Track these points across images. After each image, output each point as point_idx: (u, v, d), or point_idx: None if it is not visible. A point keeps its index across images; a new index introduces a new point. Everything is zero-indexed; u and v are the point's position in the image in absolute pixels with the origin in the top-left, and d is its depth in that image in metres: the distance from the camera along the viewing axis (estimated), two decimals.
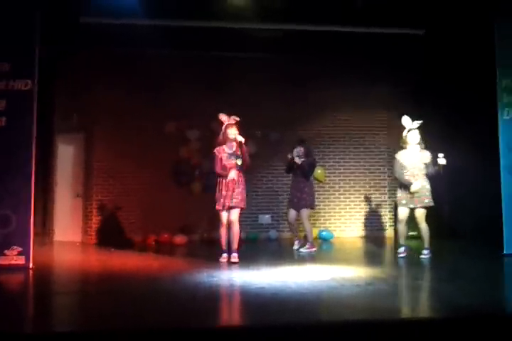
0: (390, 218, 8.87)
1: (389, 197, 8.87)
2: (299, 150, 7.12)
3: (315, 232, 8.52)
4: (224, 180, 5.84)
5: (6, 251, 5.35)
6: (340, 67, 8.42)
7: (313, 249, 6.82)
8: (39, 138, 5.67)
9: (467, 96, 7.49)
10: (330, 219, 8.73)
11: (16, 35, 5.50)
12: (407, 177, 6.13)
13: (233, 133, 5.88)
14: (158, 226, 8.14)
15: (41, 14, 5.61)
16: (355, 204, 8.93)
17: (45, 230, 8.14)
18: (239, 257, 5.83)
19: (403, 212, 6.21)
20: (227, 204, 5.81)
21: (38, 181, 5.77)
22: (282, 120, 8.61)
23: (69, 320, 3.68)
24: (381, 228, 8.90)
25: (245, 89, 8.30)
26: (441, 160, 6.09)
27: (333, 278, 4.85)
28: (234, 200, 5.80)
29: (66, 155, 8.52)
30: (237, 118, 5.99)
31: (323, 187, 8.83)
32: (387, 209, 8.88)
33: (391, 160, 8.86)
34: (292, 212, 7.04)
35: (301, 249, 6.88)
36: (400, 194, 6.23)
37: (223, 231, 5.94)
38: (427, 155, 6.19)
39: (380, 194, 8.89)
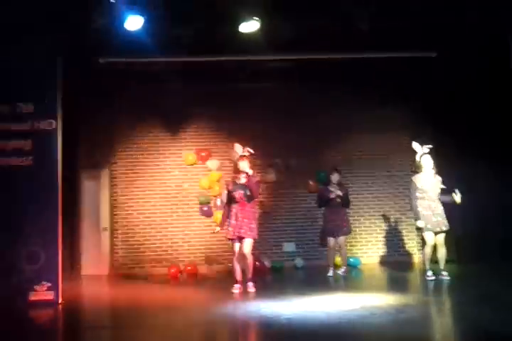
0: (417, 242, 8.71)
1: (415, 220, 8.72)
2: (336, 177, 7.32)
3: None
4: (233, 211, 5.91)
5: (35, 287, 5.42)
6: (355, 91, 8.46)
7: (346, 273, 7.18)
8: (64, 175, 5.79)
9: (483, 118, 7.44)
10: (356, 245, 8.62)
11: (37, 77, 5.71)
12: (419, 209, 6.24)
13: (243, 165, 5.96)
14: (184, 257, 8.15)
15: (62, 56, 5.82)
16: (381, 230, 8.82)
17: (73, 265, 8.20)
18: (255, 286, 5.83)
19: (430, 237, 6.22)
20: (236, 233, 5.85)
21: (64, 217, 5.86)
22: (300, 147, 8.65)
23: None
24: (409, 253, 8.74)
25: (263, 118, 8.41)
26: (457, 198, 6.21)
27: (363, 306, 4.76)
28: (242, 230, 5.83)
29: (91, 191, 8.66)
30: (251, 151, 6.07)
31: (349, 213, 8.74)
32: (415, 234, 8.73)
33: None
34: (333, 240, 7.18)
35: (339, 272, 7.13)
36: (423, 218, 6.21)
37: (235, 262, 5.94)
38: (440, 180, 6.33)
39: (406, 218, 8.75)
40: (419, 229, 6.39)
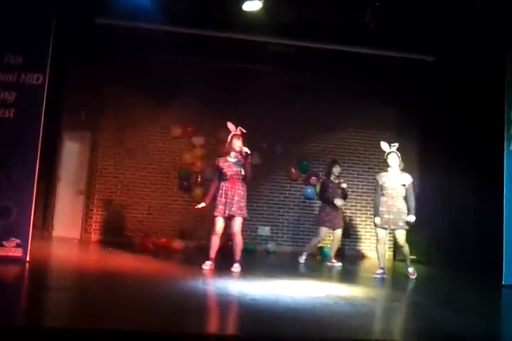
0: (389, 239, 8.81)
1: None
2: (338, 169, 7.33)
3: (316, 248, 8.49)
4: (223, 188, 5.84)
5: (4, 242, 5.34)
6: (349, 85, 8.48)
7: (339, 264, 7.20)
8: (46, 134, 5.67)
9: (474, 126, 7.50)
10: (330, 236, 8.67)
11: (30, 30, 5.55)
12: (377, 208, 6.35)
13: (238, 144, 5.90)
14: (157, 229, 8.13)
15: (58, 12, 5.66)
16: (355, 223, 8.90)
17: (45, 225, 8.12)
18: (240, 267, 5.79)
19: (380, 233, 6.39)
20: (226, 211, 5.78)
21: (41, 175, 5.77)
22: (288, 134, 8.65)
23: (59, 315, 3.64)
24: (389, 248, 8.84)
25: (254, 101, 8.35)
26: (411, 218, 6.26)
27: (329, 295, 4.80)
28: (233, 209, 5.78)
29: (71, 153, 8.55)
30: (243, 130, 6.01)
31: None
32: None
33: None
34: (325, 231, 7.25)
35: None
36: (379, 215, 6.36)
37: (215, 239, 5.88)
38: (406, 177, 6.37)
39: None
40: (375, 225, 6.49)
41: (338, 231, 7.28)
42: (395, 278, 6.74)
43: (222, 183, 5.86)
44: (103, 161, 8.36)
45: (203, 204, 6.00)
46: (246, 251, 7.92)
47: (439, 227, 7.85)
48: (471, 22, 6.05)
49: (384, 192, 6.32)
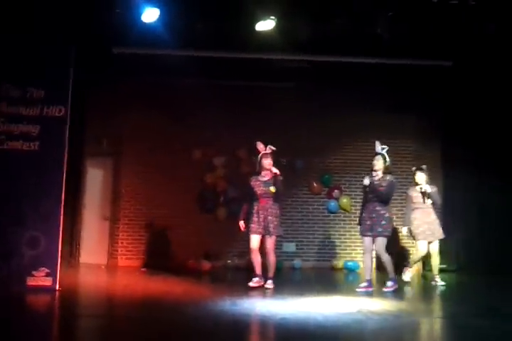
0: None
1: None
2: (420, 177, 6.74)
3: (341, 263, 8.41)
4: (255, 208, 5.93)
5: (34, 272, 5.43)
6: (366, 96, 8.48)
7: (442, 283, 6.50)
8: (69, 163, 5.81)
9: (497, 129, 7.42)
10: (356, 250, 8.59)
11: (51, 64, 5.72)
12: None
13: (268, 163, 5.96)
14: (184, 251, 8.15)
15: (76, 43, 5.84)
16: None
17: (72, 252, 8.22)
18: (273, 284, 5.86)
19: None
20: (260, 230, 5.89)
21: (66, 203, 5.87)
22: (308, 148, 8.64)
23: None
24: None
25: (271, 117, 8.41)
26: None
27: (360, 310, 4.74)
28: (267, 227, 5.87)
29: (95, 179, 8.68)
30: (273, 148, 6.08)
31: (349, 217, 8.73)
32: (413, 240, 8.70)
33: None
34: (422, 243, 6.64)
35: (404, 276, 6.68)
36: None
37: (253, 256, 5.96)
38: (387, 182, 6.02)
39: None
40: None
41: (435, 244, 6.69)
42: (426, 290, 6.62)
43: (255, 202, 5.94)
44: (126, 186, 8.47)
45: (241, 223, 6.08)
46: None
47: (467, 233, 7.72)
48: (488, 24, 6.04)
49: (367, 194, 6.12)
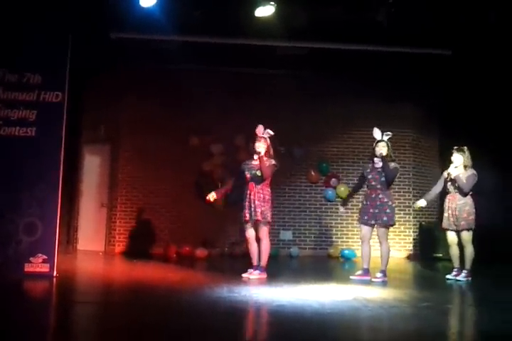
0: (413, 239, 8.73)
1: (413, 217, 8.76)
2: (455, 158, 6.07)
3: (337, 251, 8.45)
4: (246, 192, 5.81)
5: (31, 259, 5.43)
6: (365, 84, 8.45)
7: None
8: (66, 149, 5.77)
9: (494, 117, 7.40)
10: (353, 238, 8.63)
11: (48, 48, 5.66)
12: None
13: (257, 145, 5.83)
14: (180, 238, 8.17)
15: (74, 28, 5.77)
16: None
17: (69, 239, 8.23)
18: (260, 274, 5.72)
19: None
20: (247, 215, 5.75)
21: (63, 190, 5.85)
22: (306, 136, 8.63)
23: (89, 330, 3.68)
24: (404, 248, 8.76)
25: (270, 105, 8.37)
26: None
27: (356, 298, 4.77)
28: (253, 213, 5.70)
29: (92, 166, 8.66)
30: (271, 133, 5.91)
31: (347, 205, 8.74)
32: (412, 230, 8.75)
33: (416, 180, 8.82)
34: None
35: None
36: None
37: (249, 246, 5.86)
38: (390, 167, 5.92)
39: (404, 214, 8.76)
40: None
41: (464, 233, 6.02)
42: (427, 279, 6.66)
43: (245, 187, 5.83)
44: (123, 173, 8.45)
45: (213, 194, 5.87)
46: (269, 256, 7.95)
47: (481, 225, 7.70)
48: (488, 13, 5.98)
49: (367, 183, 5.97)
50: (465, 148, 6.06)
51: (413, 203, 8.59)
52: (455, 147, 6.08)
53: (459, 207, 5.93)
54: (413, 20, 6.44)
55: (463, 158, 5.99)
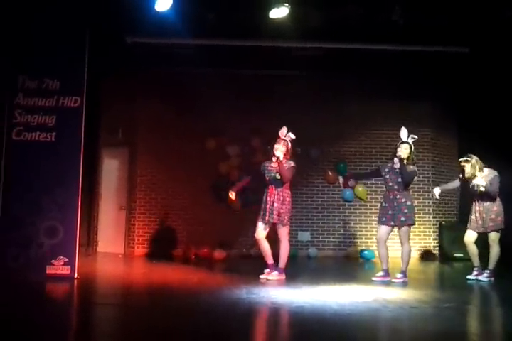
0: (434, 239, 8.64)
1: (433, 217, 8.67)
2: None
3: (356, 252, 8.41)
4: (265, 193, 5.84)
5: (53, 261, 5.52)
6: (381, 84, 8.40)
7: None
8: (85, 152, 5.86)
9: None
10: (371, 238, 8.57)
11: (66, 54, 5.76)
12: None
13: (276, 148, 5.85)
14: (198, 240, 8.21)
15: (91, 34, 5.85)
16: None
17: (89, 241, 8.33)
18: (279, 275, 5.72)
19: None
20: (266, 218, 5.77)
21: (83, 193, 5.94)
22: (323, 137, 8.61)
23: (110, 331, 3.72)
24: (425, 248, 8.67)
25: (285, 106, 8.37)
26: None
27: (376, 299, 4.74)
28: (272, 216, 5.73)
29: (111, 169, 8.76)
30: (293, 136, 5.91)
31: (365, 206, 8.71)
32: (432, 230, 8.67)
33: (435, 179, 8.74)
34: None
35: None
36: None
37: (259, 246, 5.87)
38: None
39: (424, 214, 8.68)
40: None
41: (493, 234, 6.01)
42: (448, 279, 6.58)
43: (265, 188, 5.86)
44: (141, 176, 8.54)
45: (232, 192, 5.94)
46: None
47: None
48: (504, 10, 5.90)
49: (386, 186, 5.95)
50: (468, 155, 6.02)
51: (433, 203, 8.58)
52: (459, 159, 6.12)
53: (486, 208, 5.92)
54: (429, 18, 6.38)
55: (475, 165, 5.91)
